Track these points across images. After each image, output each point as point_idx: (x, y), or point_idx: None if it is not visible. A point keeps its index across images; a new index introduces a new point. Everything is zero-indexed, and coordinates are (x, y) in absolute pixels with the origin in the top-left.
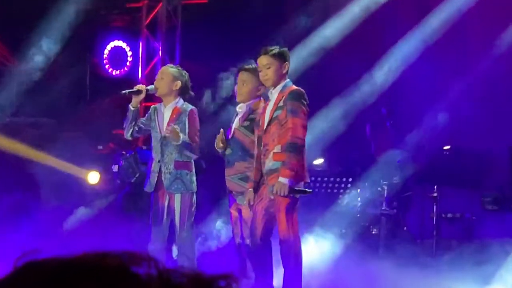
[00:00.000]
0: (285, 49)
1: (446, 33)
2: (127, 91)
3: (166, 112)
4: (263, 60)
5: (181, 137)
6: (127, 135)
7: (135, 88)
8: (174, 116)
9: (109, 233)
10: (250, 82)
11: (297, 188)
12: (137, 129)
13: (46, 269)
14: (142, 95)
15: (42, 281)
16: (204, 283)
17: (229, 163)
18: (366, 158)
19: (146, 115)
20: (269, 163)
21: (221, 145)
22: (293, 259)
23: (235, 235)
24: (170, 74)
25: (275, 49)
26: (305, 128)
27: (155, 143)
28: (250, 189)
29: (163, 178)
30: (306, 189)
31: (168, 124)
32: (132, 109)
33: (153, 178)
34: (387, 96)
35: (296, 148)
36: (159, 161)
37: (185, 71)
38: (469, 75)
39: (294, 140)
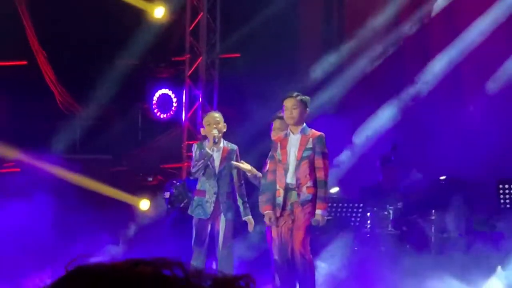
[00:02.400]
0: (308, 98)
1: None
2: (215, 142)
3: (217, 152)
4: (290, 102)
5: (253, 169)
6: (198, 175)
7: (214, 137)
8: (225, 154)
9: (158, 250)
10: (285, 128)
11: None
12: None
13: (92, 273)
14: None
15: (89, 284)
16: (225, 283)
17: (261, 191)
18: (375, 187)
19: (197, 154)
20: (303, 195)
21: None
22: (308, 269)
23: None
24: (222, 119)
25: (301, 95)
26: (329, 168)
27: (209, 178)
28: (268, 211)
29: (221, 208)
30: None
31: (221, 162)
32: (211, 154)
33: (209, 207)
34: (394, 131)
35: (327, 185)
36: (214, 193)
37: None
38: (462, 117)
39: (326, 178)
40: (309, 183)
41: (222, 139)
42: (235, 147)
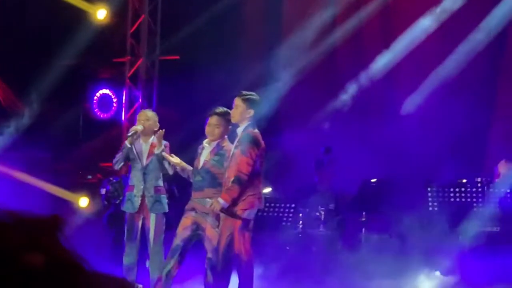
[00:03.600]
0: (257, 98)
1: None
2: (129, 134)
3: (145, 146)
4: (235, 100)
5: (162, 146)
6: (118, 167)
7: (132, 131)
8: (153, 149)
9: (94, 244)
10: (221, 125)
11: (231, 211)
12: (124, 162)
13: None
14: (136, 135)
15: None
16: (29, 222)
17: (198, 188)
18: (307, 187)
19: (123, 150)
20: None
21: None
22: (244, 269)
23: (177, 237)
24: (154, 117)
25: (248, 95)
26: (250, 165)
27: (136, 172)
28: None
29: (146, 201)
30: (238, 214)
31: (148, 156)
32: (129, 146)
33: (137, 201)
34: (327, 135)
35: (238, 181)
36: (142, 187)
37: None
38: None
39: (238, 174)
40: (232, 179)
41: (153, 136)
42: (164, 142)
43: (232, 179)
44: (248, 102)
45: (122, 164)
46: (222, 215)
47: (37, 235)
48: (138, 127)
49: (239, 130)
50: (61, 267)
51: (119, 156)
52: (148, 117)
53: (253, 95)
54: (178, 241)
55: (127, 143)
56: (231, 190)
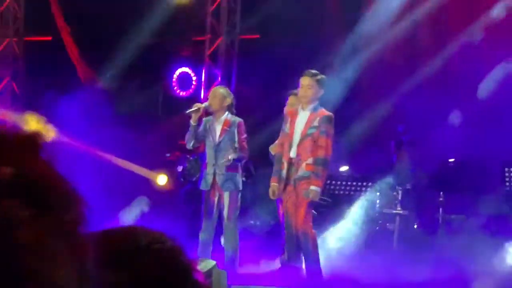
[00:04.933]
0: (325, 77)
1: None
2: (188, 111)
3: (218, 124)
4: (306, 80)
5: (231, 158)
6: (189, 146)
7: (194, 107)
8: (225, 127)
9: (170, 223)
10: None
11: (322, 197)
12: (196, 140)
13: None
14: (200, 113)
15: None
16: (3, 136)
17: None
18: (384, 166)
19: (201, 127)
20: (301, 171)
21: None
22: (311, 246)
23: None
24: (221, 94)
25: (319, 75)
26: (331, 146)
27: (209, 150)
28: (273, 183)
29: (217, 179)
30: (328, 199)
31: (220, 134)
32: (193, 124)
33: (209, 179)
34: (404, 114)
35: (326, 163)
36: (213, 165)
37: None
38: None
39: (326, 156)
40: (310, 160)
41: (227, 112)
42: (237, 119)
43: (319, 160)
44: (321, 82)
45: (193, 142)
46: (290, 191)
47: (9, 149)
48: (202, 104)
49: (307, 110)
50: (31, 181)
51: (187, 135)
52: (215, 95)
53: (323, 75)
54: None
55: (191, 121)
56: (322, 174)
